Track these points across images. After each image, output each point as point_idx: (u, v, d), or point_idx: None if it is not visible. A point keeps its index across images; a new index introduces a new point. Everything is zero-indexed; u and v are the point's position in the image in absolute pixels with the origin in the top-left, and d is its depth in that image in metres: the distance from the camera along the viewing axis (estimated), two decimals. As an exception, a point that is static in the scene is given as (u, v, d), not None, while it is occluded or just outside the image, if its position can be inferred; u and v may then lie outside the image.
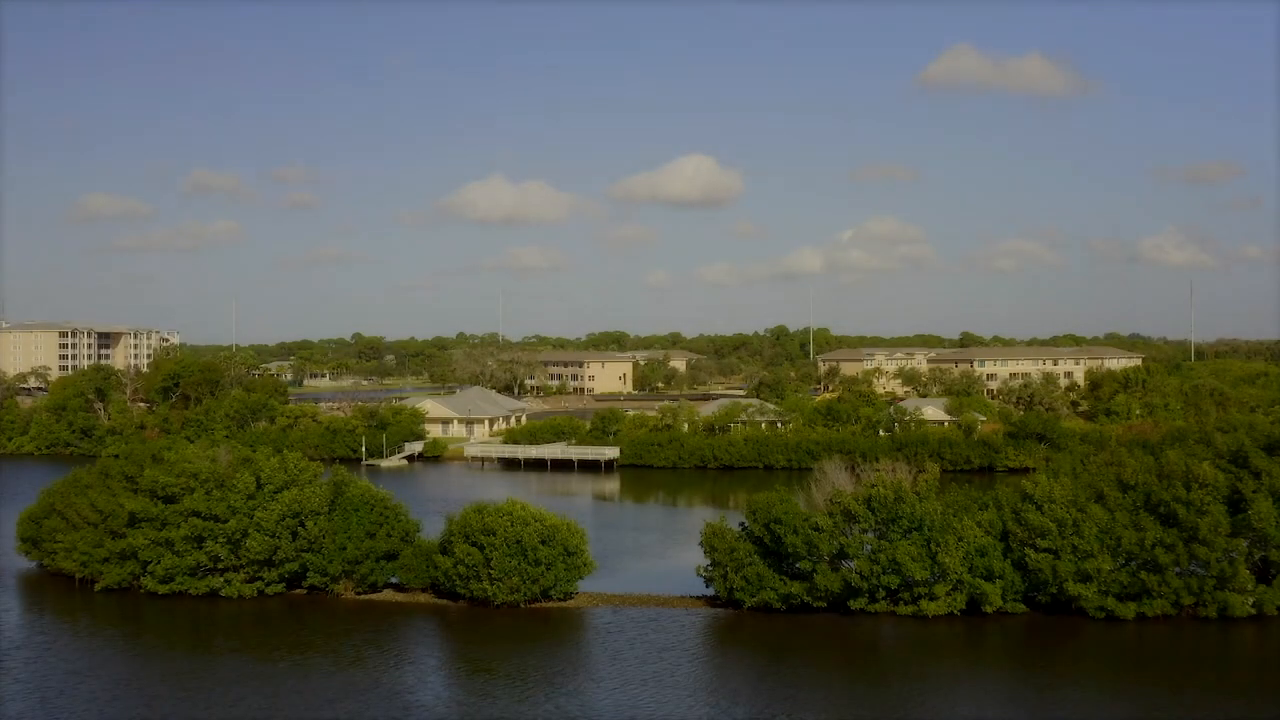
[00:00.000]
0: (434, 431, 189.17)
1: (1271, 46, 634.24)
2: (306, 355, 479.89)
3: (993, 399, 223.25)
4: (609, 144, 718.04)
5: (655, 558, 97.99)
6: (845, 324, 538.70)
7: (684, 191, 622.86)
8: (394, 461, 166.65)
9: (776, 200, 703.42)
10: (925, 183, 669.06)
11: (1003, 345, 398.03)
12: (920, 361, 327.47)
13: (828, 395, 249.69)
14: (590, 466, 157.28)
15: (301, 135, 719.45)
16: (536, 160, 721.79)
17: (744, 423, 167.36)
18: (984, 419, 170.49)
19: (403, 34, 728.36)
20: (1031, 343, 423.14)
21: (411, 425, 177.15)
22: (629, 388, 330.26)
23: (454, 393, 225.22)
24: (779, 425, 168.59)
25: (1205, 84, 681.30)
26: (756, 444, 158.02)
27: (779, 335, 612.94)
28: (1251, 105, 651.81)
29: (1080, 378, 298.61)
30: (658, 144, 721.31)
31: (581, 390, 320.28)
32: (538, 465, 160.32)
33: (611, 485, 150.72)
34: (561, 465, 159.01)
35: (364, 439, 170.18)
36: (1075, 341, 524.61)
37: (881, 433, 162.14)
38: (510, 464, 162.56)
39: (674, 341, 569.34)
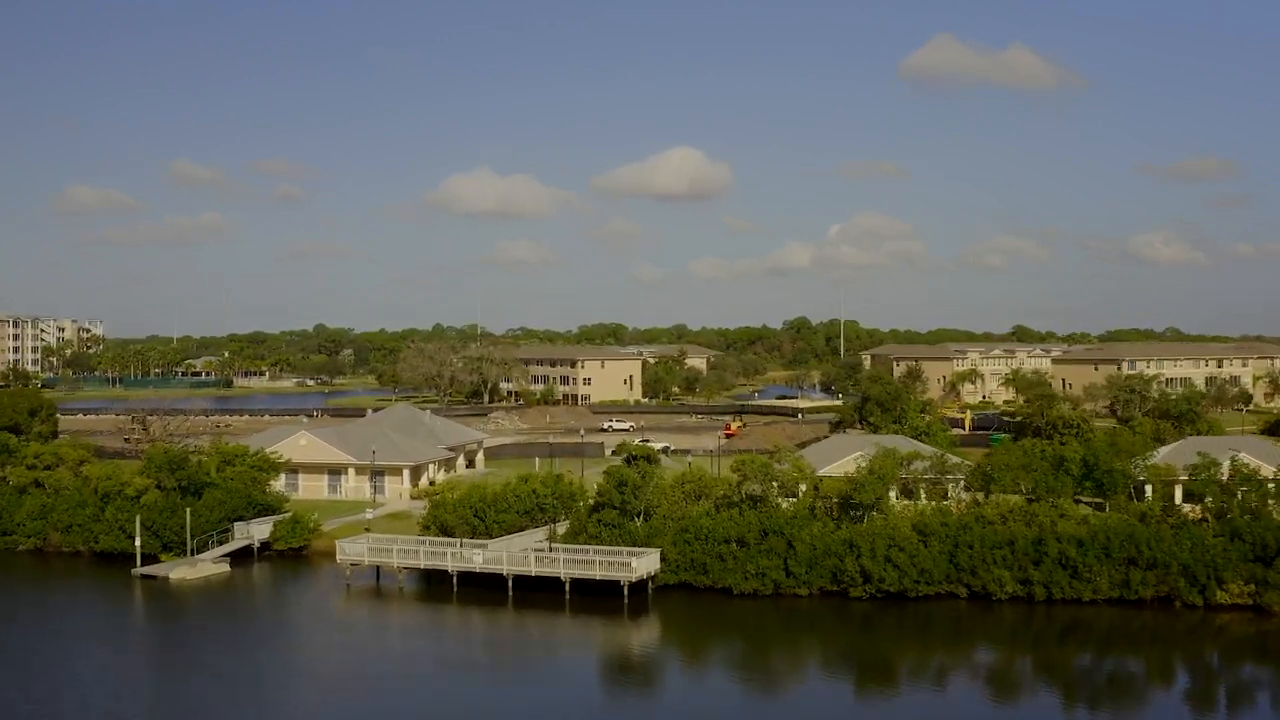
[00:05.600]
0: (313, 489, 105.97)
1: (1265, 40, 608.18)
2: (237, 349, 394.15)
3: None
4: (597, 136, 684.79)
5: None
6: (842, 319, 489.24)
7: (672, 185, 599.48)
8: (204, 568, 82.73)
9: (766, 194, 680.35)
10: (914, 178, 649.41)
11: (1144, 340, 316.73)
12: (1030, 362, 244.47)
13: (957, 413, 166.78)
14: (598, 590, 73.81)
15: (286, 128, 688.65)
16: (524, 153, 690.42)
17: (904, 489, 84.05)
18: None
19: (388, 26, 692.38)
20: (1180, 337, 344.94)
21: (250, 487, 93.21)
22: (637, 394, 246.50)
23: (374, 410, 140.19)
24: (960, 492, 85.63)
25: (1196, 79, 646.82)
26: (950, 542, 74.81)
27: (799, 328, 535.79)
28: (1244, 101, 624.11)
29: (1249, 382, 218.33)
30: (645, 137, 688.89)
31: (574, 398, 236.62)
32: (490, 584, 76.63)
33: (642, 640, 68.53)
34: (538, 586, 75.46)
35: (146, 515, 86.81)
36: (1143, 336, 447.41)
37: (1186, 508, 79.24)
38: (436, 579, 78.89)
39: (679, 335, 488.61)
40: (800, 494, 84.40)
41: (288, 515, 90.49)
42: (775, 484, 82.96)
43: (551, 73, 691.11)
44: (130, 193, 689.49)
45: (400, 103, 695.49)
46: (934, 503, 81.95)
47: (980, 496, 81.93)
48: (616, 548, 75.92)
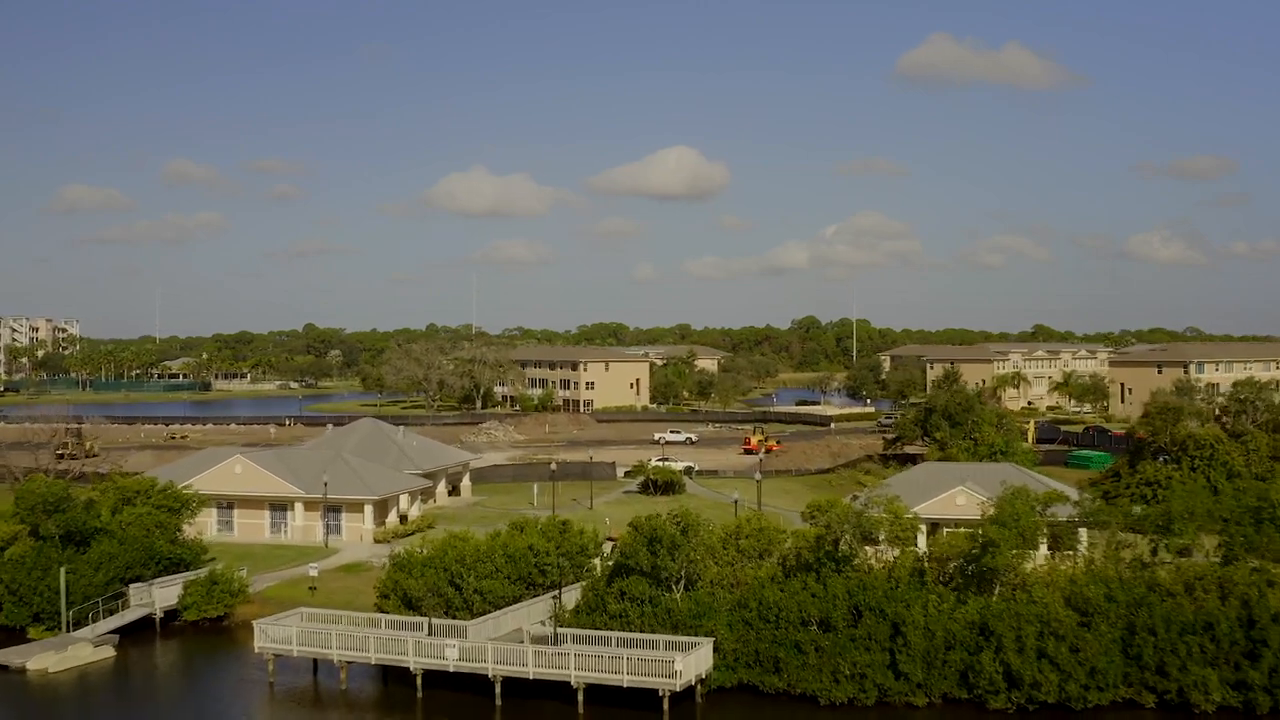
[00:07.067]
0: (252, 529, 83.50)
1: (1264, 40, 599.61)
2: (215, 350, 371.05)
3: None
4: (593, 136, 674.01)
5: None
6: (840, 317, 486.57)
7: (668, 184, 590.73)
8: (78, 652, 59.90)
9: (762, 193, 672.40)
10: (911, 177, 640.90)
11: (1169, 339, 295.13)
12: (1077, 364, 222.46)
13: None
14: (625, 699, 51.29)
15: (282, 127, 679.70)
16: (520, 152, 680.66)
17: (1061, 546, 61.57)
18: None
19: (384, 25, 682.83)
20: (1203, 336, 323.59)
21: (154, 535, 70.56)
22: (645, 400, 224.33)
23: (334, 425, 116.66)
24: (1134, 545, 63.09)
25: (1195, 78, 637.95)
26: (1121, 625, 52.46)
27: (808, 327, 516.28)
28: (1243, 100, 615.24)
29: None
30: (642, 136, 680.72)
31: (576, 404, 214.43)
32: (470, 686, 54.02)
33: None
34: (538, 692, 52.92)
35: (10, 574, 64.40)
36: (1167, 336, 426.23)
37: None
38: (395, 676, 56.26)
39: (683, 335, 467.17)
40: (884, 537, 61.51)
41: (204, 573, 67.83)
42: (856, 532, 60.37)
43: (548, 72, 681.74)
44: (126, 191, 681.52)
45: (396, 101, 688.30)
46: (1082, 560, 59.43)
47: (1144, 552, 59.29)
48: (650, 635, 53.40)
